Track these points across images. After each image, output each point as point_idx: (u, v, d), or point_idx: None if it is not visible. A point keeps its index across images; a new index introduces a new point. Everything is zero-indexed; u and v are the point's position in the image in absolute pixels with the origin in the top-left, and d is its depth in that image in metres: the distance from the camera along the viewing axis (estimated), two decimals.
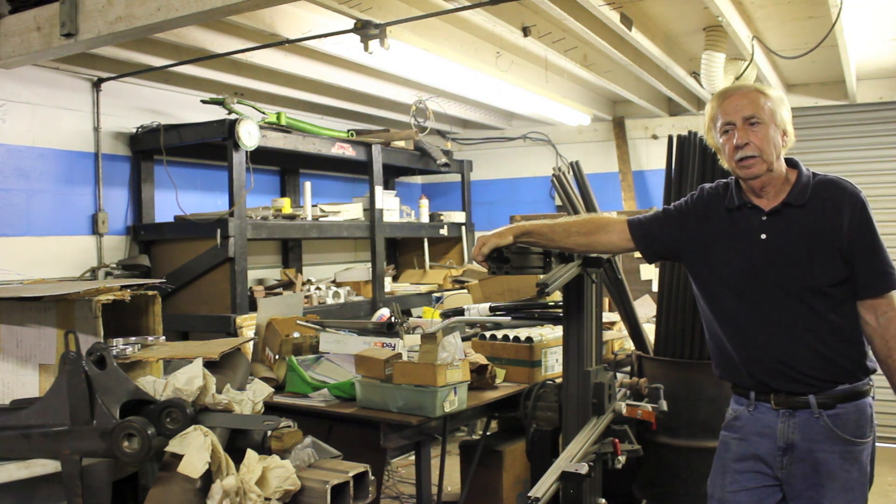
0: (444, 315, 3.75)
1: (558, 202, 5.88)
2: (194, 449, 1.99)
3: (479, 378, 3.07)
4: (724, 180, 2.27)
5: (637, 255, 2.53)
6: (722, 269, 2.19)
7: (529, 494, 2.10)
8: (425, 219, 5.82)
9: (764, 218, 2.14)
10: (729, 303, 2.19)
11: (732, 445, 2.22)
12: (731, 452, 2.22)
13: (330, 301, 4.69)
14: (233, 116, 4.09)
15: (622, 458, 2.52)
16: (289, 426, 2.24)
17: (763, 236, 2.13)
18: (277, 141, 4.32)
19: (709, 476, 2.29)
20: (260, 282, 4.84)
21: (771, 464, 2.14)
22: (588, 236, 2.38)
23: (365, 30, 3.27)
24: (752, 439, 2.17)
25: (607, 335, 3.76)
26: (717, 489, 2.23)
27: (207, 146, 4.29)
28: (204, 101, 4.21)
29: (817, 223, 2.08)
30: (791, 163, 2.18)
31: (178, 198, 4.30)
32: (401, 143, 5.38)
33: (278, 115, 4.48)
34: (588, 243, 2.41)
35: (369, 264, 5.08)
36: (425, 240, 5.86)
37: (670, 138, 3.33)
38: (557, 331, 3.30)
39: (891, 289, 2.06)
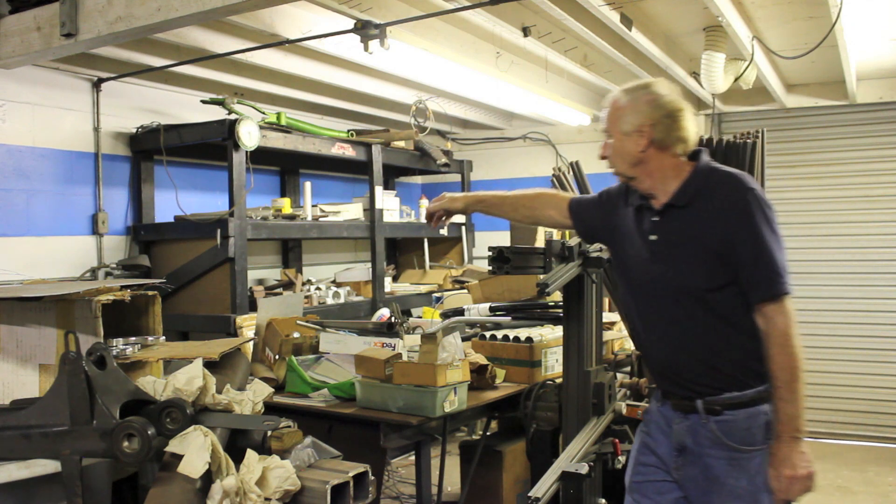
0: (444, 315, 3.75)
1: None
2: (194, 449, 1.99)
3: (479, 378, 3.07)
4: None
5: None
6: (625, 265, 2.18)
7: (529, 494, 2.11)
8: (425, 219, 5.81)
9: (654, 219, 2.08)
10: (630, 301, 2.18)
11: (640, 437, 2.22)
12: (638, 443, 2.22)
13: (330, 301, 4.69)
14: (233, 116, 4.09)
15: (622, 458, 2.52)
16: (289, 426, 2.24)
17: (653, 237, 2.07)
18: (277, 141, 4.31)
19: None
20: (260, 282, 4.84)
21: (667, 463, 2.11)
22: (532, 210, 2.41)
23: (365, 30, 3.27)
24: (655, 435, 2.16)
25: (607, 335, 3.75)
26: (627, 478, 2.23)
27: (207, 146, 4.28)
28: (204, 101, 4.21)
29: (695, 225, 1.99)
30: (693, 156, 2.06)
31: (178, 198, 4.30)
32: (401, 144, 5.38)
33: (278, 115, 4.47)
34: (533, 217, 2.45)
35: (369, 264, 5.07)
36: (425, 240, 5.86)
37: None
38: (557, 331, 3.30)
39: (777, 294, 1.92)
